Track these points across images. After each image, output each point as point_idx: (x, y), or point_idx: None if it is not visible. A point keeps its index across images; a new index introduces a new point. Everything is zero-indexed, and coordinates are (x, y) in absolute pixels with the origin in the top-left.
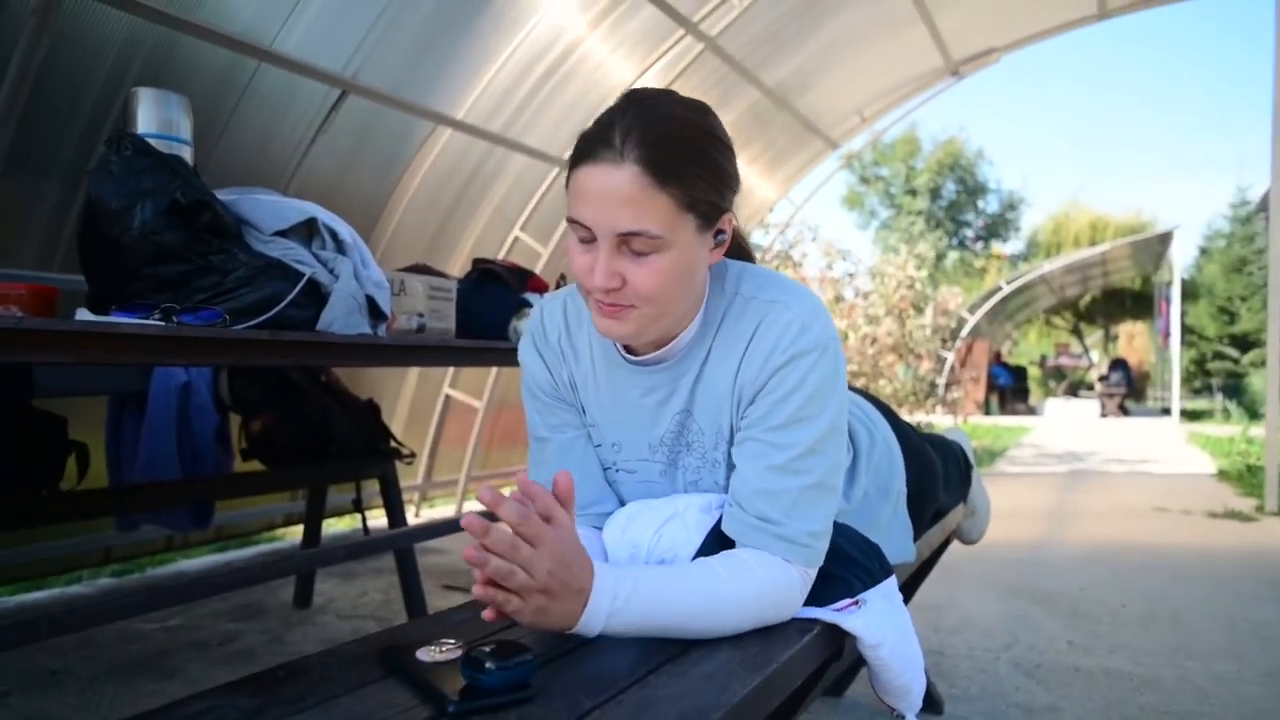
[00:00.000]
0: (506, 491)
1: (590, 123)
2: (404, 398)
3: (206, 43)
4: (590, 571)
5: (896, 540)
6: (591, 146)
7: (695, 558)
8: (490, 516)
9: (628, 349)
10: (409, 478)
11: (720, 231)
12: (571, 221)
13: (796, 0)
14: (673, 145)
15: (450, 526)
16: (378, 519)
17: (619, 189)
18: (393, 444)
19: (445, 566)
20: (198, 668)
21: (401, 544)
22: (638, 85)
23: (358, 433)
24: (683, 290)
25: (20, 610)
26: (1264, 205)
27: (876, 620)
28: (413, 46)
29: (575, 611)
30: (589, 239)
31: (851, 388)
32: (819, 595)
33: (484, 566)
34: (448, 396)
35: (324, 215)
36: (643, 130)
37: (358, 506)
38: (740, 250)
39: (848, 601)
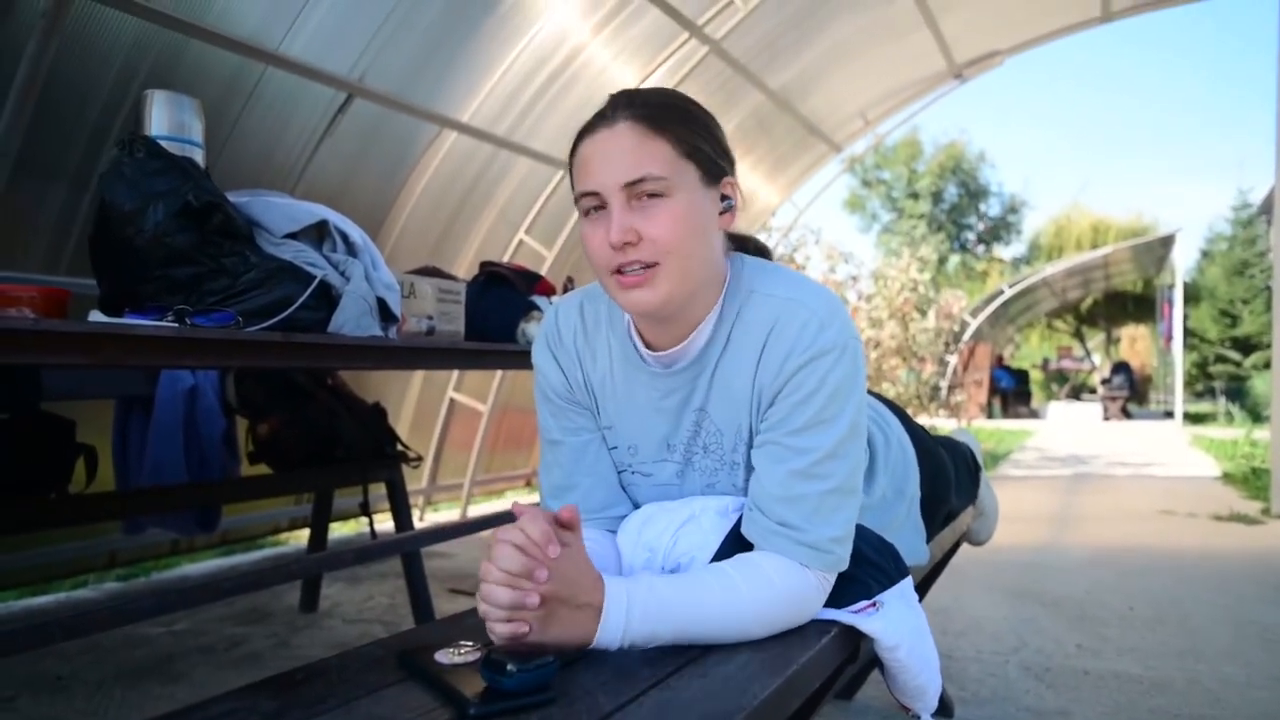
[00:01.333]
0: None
1: None
2: (408, 401)
3: (213, 46)
4: (600, 585)
5: (910, 541)
6: (587, 126)
7: (712, 561)
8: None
9: (647, 345)
10: (413, 481)
11: (726, 196)
12: (581, 197)
13: (801, 3)
14: (658, 104)
15: (457, 530)
16: (382, 522)
17: (617, 143)
18: (399, 447)
19: (451, 570)
20: (204, 672)
21: (409, 548)
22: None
23: (364, 436)
24: (699, 244)
25: (29, 614)
26: (1266, 207)
27: (894, 622)
28: (418, 50)
29: (589, 625)
30: (599, 206)
31: None
32: (837, 596)
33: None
34: (452, 400)
35: (335, 217)
36: (630, 98)
37: (365, 510)
38: (758, 251)
39: (865, 604)
